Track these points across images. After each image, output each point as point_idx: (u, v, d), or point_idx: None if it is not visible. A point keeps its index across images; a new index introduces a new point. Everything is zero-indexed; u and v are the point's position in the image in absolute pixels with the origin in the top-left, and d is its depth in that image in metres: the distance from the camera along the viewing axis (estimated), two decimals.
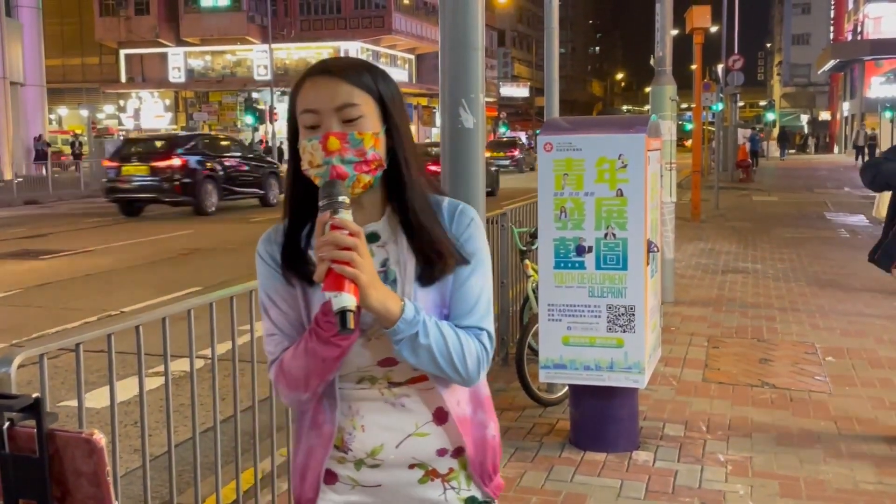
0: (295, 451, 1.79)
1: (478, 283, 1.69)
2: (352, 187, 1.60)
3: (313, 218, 1.61)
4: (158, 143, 20.34)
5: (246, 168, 21.23)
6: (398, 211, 1.68)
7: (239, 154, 21.63)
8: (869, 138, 40.96)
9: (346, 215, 1.53)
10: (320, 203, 1.57)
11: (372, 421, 1.68)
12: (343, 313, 1.49)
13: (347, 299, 1.49)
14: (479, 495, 1.76)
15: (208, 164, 19.70)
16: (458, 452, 1.73)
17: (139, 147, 20.35)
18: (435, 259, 1.64)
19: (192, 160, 19.35)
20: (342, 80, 1.61)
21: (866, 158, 38.71)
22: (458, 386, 1.69)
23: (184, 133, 28.24)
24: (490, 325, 1.70)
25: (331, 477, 1.73)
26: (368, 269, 1.52)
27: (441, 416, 1.71)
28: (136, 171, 19.18)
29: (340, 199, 1.55)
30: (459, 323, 1.66)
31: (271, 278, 1.70)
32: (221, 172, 20.03)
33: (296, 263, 1.68)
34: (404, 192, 1.66)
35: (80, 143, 46.08)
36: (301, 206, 1.70)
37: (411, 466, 1.70)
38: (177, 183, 18.96)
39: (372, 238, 1.67)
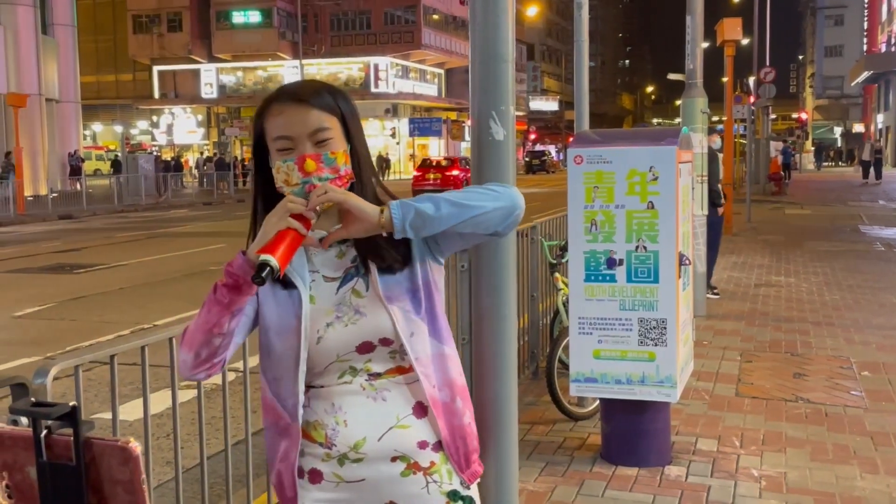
0: (270, 459, 1.83)
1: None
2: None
3: None
4: None
5: None
6: None
7: None
8: (875, 151, 38.98)
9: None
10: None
11: (354, 415, 1.73)
12: (263, 264, 1.59)
13: (273, 260, 1.61)
14: (460, 489, 1.79)
15: None
16: (440, 446, 1.77)
17: None
18: (378, 261, 1.75)
19: None
20: (312, 106, 1.73)
21: (873, 175, 37.46)
22: (432, 373, 1.75)
23: None
24: None
25: (316, 475, 1.77)
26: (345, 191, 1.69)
27: (421, 410, 1.76)
28: None
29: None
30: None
31: None
32: None
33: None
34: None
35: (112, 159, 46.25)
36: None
37: (393, 459, 1.74)
38: None
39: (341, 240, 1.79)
